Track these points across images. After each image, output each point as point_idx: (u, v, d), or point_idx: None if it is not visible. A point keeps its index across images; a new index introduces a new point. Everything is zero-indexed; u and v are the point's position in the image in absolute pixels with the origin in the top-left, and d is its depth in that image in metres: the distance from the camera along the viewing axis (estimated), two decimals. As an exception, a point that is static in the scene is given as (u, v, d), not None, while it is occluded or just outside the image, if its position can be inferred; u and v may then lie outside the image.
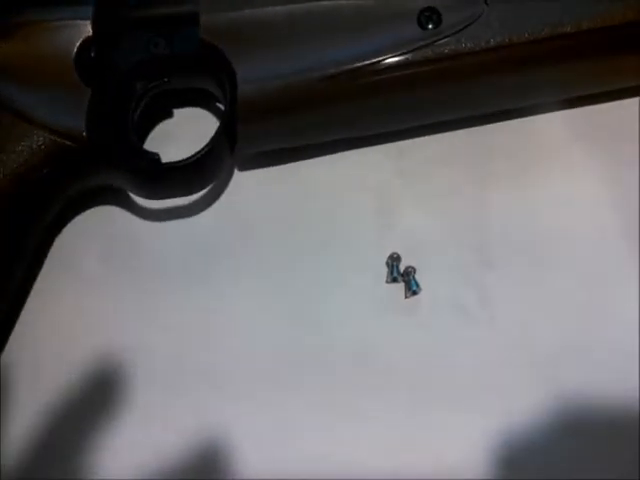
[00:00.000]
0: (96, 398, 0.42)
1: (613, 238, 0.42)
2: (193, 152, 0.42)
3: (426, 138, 0.45)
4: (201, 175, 0.43)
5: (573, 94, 0.45)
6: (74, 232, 0.45)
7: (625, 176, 0.43)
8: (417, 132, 0.45)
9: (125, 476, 0.39)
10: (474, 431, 0.39)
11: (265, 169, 0.46)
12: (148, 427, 0.41)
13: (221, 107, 0.46)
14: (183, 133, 0.47)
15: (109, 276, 0.44)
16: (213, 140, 0.42)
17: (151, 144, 0.47)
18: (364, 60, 0.40)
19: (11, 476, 0.40)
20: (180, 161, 0.41)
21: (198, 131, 0.44)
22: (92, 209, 0.46)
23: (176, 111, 0.48)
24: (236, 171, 0.46)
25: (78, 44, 0.42)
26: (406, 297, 0.41)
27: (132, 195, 0.45)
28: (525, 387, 0.39)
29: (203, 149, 0.41)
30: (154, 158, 0.42)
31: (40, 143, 0.40)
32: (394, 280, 0.41)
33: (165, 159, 0.42)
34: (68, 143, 0.41)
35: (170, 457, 0.40)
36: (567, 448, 0.38)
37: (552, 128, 0.46)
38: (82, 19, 0.42)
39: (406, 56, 0.40)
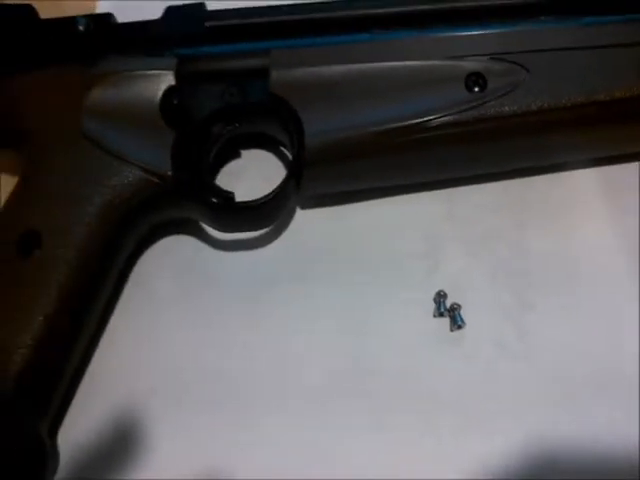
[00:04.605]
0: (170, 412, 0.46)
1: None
2: (255, 188, 0.47)
3: (472, 187, 0.50)
4: (269, 213, 0.48)
5: (603, 154, 0.49)
6: (152, 258, 0.50)
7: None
8: (464, 181, 0.50)
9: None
10: (509, 455, 0.43)
11: (325, 209, 0.50)
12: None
13: (284, 150, 0.51)
14: (247, 172, 0.52)
15: (181, 299, 0.49)
16: (282, 183, 0.46)
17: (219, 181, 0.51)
18: (416, 118, 0.45)
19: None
20: (252, 201, 0.46)
21: (261, 170, 0.50)
22: (168, 237, 0.50)
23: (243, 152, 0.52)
24: (298, 210, 0.51)
25: (162, 92, 0.46)
26: (451, 330, 0.46)
27: (204, 227, 0.49)
28: (558, 418, 0.43)
29: (273, 191, 0.46)
30: (229, 196, 0.47)
31: (130, 179, 0.45)
32: (441, 315, 0.46)
33: (231, 195, 0.47)
34: (155, 180, 0.45)
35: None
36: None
37: (582, 182, 0.50)
38: (166, 69, 0.46)
39: (454, 116, 0.45)
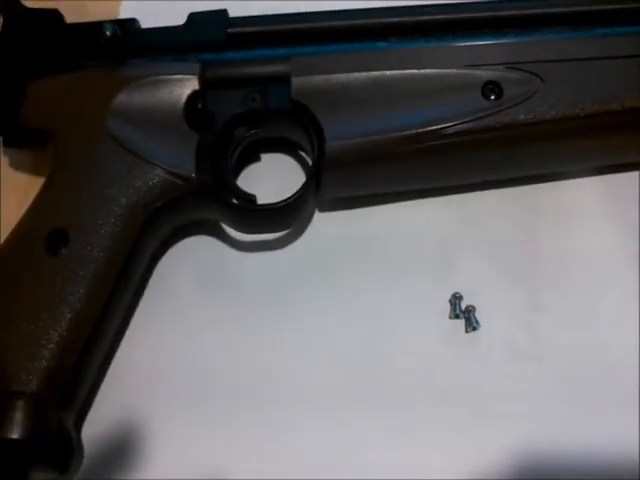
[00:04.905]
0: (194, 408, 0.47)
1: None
2: (271, 191, 0.48)
3: (484, 192, 0.51)
4: (289, 216, 0.49)
5: (614, 162, 0.51)
6: (173, 258, 0.51)
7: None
8: (476, 186, 0.51)
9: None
10: (510, 455, 0.44)
11: (343, 212, 0.52)
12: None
13: (302, 155, 0.53)
14: (264, 175, 0.53)
15: (202, 298, 0.50)
16: (303, 187, 0.48)
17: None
18: (433, 125, 0.46)
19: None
20: (273, 203, 0.47)
21: (277, 173, 0.52)
22: (189, 238, 0.52)
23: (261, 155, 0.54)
24: (317, 212, 0.52)
25: (187, 96, 0.48)
26: (466, 332, 0.47)
27: (225, 228, 0.51)
28: (566, 418, 0.45)
29: (294, 195, 0.47)
30: (251, 199, 0.48)
31: (155, 180, 0.46)
32: (456, 316, 0.47)
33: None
34: (179, 182, 0.46)
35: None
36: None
37: (589, 188, 0.52)
38: (190, 74, 0.48)
39: (470, 124, 0.46)
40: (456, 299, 0.47)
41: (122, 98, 0.47)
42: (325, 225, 0.51)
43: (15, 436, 0.40)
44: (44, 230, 0.45)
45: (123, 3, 0.59)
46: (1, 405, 0.41)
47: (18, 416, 0.40)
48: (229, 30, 0.49)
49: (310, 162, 0.50)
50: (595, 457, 0.44)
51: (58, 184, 0.46)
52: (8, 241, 0.45)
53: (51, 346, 0.42)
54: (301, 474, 0.44)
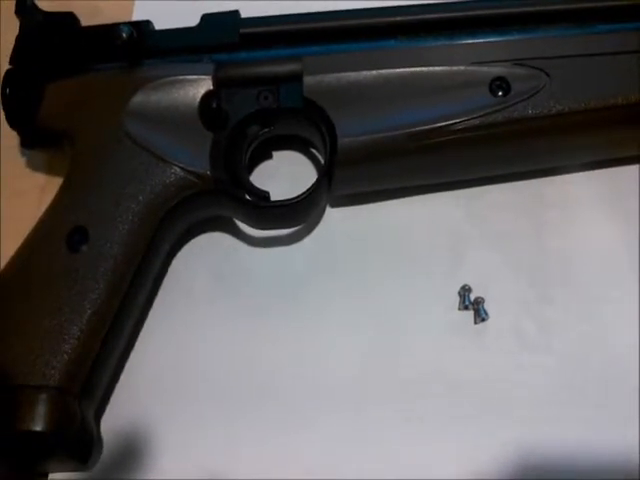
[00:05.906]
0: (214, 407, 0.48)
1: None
2: (282, 187, 0.50)
3: (492, 187, 0.52)
4: (302, 212, 0.50)
5: (619, 155, 0.52)
6: (187, 255, 0.52)
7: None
8: (484, 181, 0.52)
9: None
10: (520, 445, 0.45)
11: (354, 207, 0.53)
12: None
13: (314, 152, 0.54)
14: (279, 172, 0.54)
15: (216, 292, 0.51)
16: (315, 184, 0.49)
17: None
18: (442, 121, 0.47)
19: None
20: (286, 200, 0.48)
21: (291, 170, 0.53)
22: (202, 235, 0.53)
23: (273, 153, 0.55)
24: (328, 208, 0.53)
25: (201, 96, 0.49)
26: (476, 323, 0.48)
27: (238, 224, 0.52)
28: (576, 408, 0.46)
29: (307, 191, 0.48)
30: (265, 195, 0.49)
31: (172, 179, 0.47)
32: (465, 308, 0.48)
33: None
34: (195, 180, 0.47)
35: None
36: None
37: (596, 182, 0.52)
38: (204, 75, 0.49)
39: (478, 119, 0.47)
40: (465, 291, 0.48)
41: (138, 99, 0.48)
42: (337, 220, 0.52)
43: (39, 428, 0.41)
44: (65, 228, 0.46)
45: (136, 3, 0.61)
46: (25, 398, 0.42)
47: (41, 409, 0.41)
48: (241, 30, 0.50)
49: (322, 159, 0.51)
50: (601, 448, 0.44)
51: (77, 183, 0.48)
52: (29, 239, 0.47)
53: (72, 340, 0.43)
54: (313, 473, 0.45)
